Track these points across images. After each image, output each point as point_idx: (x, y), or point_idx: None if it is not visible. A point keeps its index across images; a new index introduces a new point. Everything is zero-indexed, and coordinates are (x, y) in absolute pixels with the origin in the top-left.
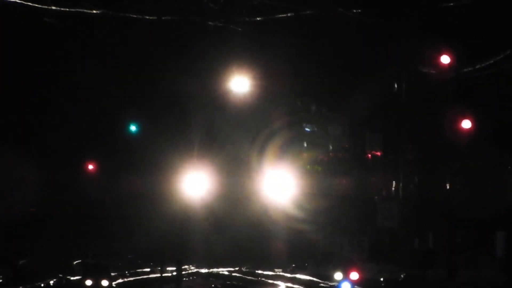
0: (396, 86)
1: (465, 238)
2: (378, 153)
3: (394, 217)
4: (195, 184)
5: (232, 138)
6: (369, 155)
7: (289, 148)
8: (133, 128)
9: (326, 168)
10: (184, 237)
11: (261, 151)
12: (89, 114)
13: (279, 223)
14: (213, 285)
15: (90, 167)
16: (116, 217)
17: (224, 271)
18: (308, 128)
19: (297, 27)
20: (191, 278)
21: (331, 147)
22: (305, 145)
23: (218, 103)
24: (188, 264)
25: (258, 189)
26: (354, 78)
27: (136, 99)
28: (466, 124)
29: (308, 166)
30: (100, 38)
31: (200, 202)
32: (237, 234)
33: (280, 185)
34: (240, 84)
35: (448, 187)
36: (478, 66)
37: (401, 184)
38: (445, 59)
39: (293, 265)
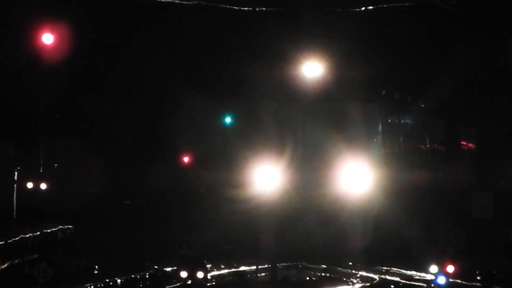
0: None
1: None
2: (472, 145)
3: (489, 209)
4: (268, 177)
5: (305, 128)
6: (463, 147)
7: (366, 138)
8: (227, 120)
9: (414, 159)
10: (264, 232)
11: (336, 142)
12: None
13: (359, 216)
14: (307, 278)
15: (186, 159)
16: (209, 208)
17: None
18: (404, 119)
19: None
20: (286, 270)
21: (412, 139)
22: (380, 136)
23: (290, 90)
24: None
25: (334, 182)
26: (440, 66)
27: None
28: None
29: (390, 159)
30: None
31: (274, 196)
32: (314, 229)
33: (359, 177)
34: (312, 69)
35: None
36: None
37: (495, 176)
38: None
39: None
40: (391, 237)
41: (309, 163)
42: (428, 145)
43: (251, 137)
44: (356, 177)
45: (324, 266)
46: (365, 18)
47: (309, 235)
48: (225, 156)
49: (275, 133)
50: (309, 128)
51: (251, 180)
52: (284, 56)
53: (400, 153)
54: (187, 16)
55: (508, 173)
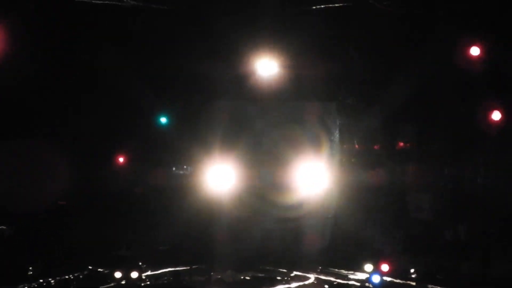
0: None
1: (502, 230)
2: (410, 145)
3: (427, 209)
4: (220, 177)
5: (260, 128)
6: (401, 147)
7: (321, 139)
8: (163, 120)
9: (359, 161)
10: (212, 232)
11: (293, 141)
12: (119, 105)
13: (314, 217)
14: (242, 277)
15: (121, 159)
16: (146, 209)
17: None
18: (342, 120)
19: (328, 14)
20: (222, 271)
21: (361, 140)
22: (337, 136)
23: (244, 88)
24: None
25: (290, 183)
26: (387, 70)
27: (165, 88)
28: (496, 115)
29: (343, 159)
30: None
31: (226, 197)
32: (267, 232)
33: (313, 178)
34: (268, 67)
35: (480, 179)
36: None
37: (433, 176)
38: (475, 51)
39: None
40: (348, 238)
41: (265, 163)
42: (382, 147)
43: (198, 138)
44: (314, 177)
45: (262, 267)
46: (325, 17)
47: (264, 237)
48: (166, 156)
49: (228, 133)
50: (265, 127)
51: (200, 181)
52: (239, 54)
53: (356, 153)
54: (135, 14)
55: (444, 172)
